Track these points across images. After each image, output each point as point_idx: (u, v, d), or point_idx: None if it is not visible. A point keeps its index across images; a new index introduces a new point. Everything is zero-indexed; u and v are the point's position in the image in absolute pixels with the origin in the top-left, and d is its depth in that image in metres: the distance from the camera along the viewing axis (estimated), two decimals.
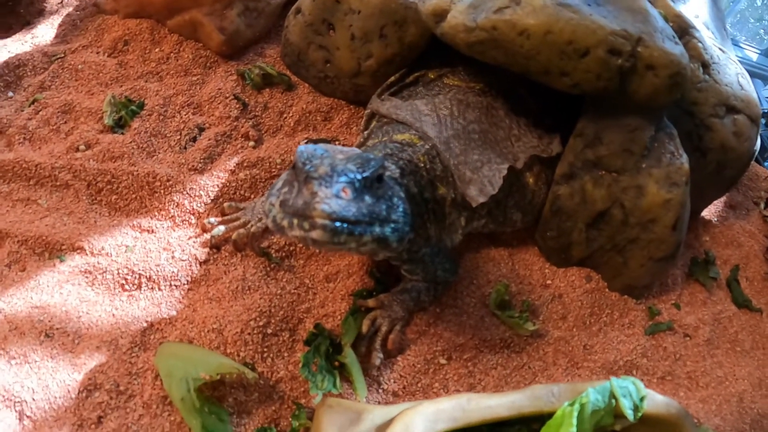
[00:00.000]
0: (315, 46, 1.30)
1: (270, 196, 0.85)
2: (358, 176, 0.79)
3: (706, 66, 1.08)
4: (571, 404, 0.80)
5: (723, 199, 1.45)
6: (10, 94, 1.41)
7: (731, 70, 1.12)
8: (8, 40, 1.51)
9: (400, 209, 0.86)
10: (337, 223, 0.75)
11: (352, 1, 1.23)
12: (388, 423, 0.82)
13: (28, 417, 0.93)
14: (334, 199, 0.76)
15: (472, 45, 1.00)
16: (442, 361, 1.05)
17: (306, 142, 1.30)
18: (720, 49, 1.14)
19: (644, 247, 1.06)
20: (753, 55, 2.25)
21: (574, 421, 0.79)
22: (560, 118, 1.17)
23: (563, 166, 1.09)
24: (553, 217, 1.12)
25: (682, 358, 1.15)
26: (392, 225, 0.83)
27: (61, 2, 1.59)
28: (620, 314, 1.16)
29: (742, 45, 2.24)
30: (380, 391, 1.01)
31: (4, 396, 0.94)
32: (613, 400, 0.82)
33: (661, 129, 1.01)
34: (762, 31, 2.50)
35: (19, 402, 0.94)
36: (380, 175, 0.84)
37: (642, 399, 0.83)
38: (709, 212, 1.42)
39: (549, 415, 0.82)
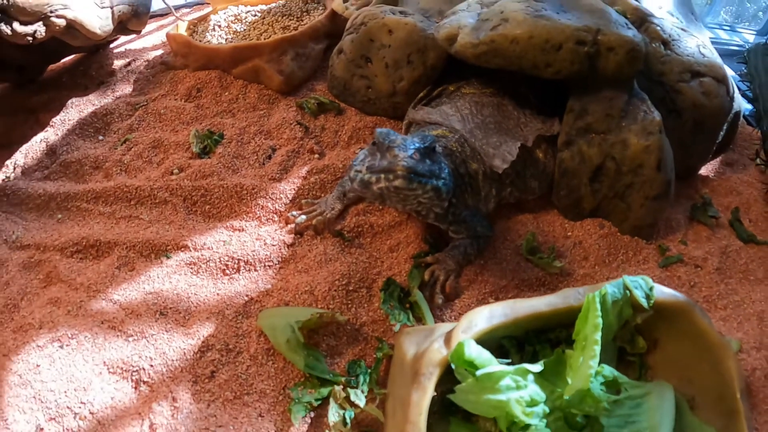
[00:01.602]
0: (357, 77, 1.70)
1: (353, 168, 1.22)
2: (422, 145, 1.18)
3: (666, 43, 1.45)
4: (594, 293, 1.04)
5: (719, 159, 1.73)
6: (101, 137, 1.78)
7: (692, 43, 1.48)
8: (90, 96, 1.89)
9: (446, 171, 1.24)
10: (412, 175, 1.13)
11: (383, 38, 1.64)
12: None
13: (144, 383, 1.14)
14: (409, 159, 1.13)
15: (479, 56, 1.39)
16: (491, 300, 1.33)
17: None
18: (682, 29, 1.50)
19: (639, 189, 1.38)
20: (750, 37, 2.51)
21: (598, 305, 0.98)
22: (556, 106, 1.52)
23: (562, 136, 1.44)
24: (562, 178, 1.46)
25: (696, 285, 1.38)
26: (443, 180, 1.21)
27: (128, 64, 2.00)
28: (634, 253, 1.44)
29: (739, 29, 2.50)
30: (448, 323, 1.28)
31: (122, 368, 1.15)
32: (628, 292, 1.01)
33: (634, 96, 1.37)
34: (761, 13, 2.73)
35: (136, 371, 1.14)
36: (434, 147, 1.22)
37: (651, 289, 1.02)
38: (707, 170, 1.70)
39: (579, 311, 1.04)
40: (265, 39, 1.83)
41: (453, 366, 0.94)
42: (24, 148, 1.83)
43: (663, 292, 1.05)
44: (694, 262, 1.44)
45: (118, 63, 2.08)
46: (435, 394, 1.01)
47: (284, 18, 1.94)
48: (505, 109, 1.52)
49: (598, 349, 0.97)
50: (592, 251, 1.43)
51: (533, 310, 1.05)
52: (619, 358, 1.10)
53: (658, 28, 1.46)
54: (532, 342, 1.11)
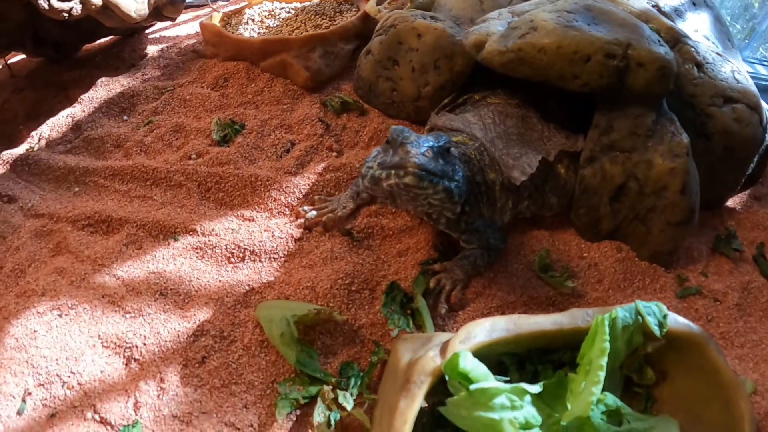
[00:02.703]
0: (383, 79, 1.66)
1: (367, 164, 1.18)
2: (436, 144, 1.13)
3: (699, 66, 1.37)
4: (603, 316, 0.98)
5: (748, 192, 1.64)
6: (125, 117, 1.79)
7: (726, 68, 1.40)
8: (120, 77, 1.91)
9: (460, 174, 1.19)
10: (423, 173, 1.08)
11: (412, 42, 1.59)
12: None
13: (135, 360, 1.13)
14: (421, 156, 1.09)
15: (505, 64, 1.33)
16: (497, 315, 1.27)
17: None
18: (717, 54, 1.42)
19: (661, 213, 1.29)
20: None
21: (607, 329, 0.94)
22: (582, 123, 1.46)
23: (585, 152, 1.37)
24: (582, 196, 1.39)
25: (714, 319, 1.30)
26: (455, 182, 1.15)
27: (161, 50, 2.01)
28: (651, 280, 1.36)
29: None
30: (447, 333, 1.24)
31: (115, 344, 1.15)
32: (640, 318, 0.96)
33: (662, 115, 1.29)
34: None
35: (129, 348, 1.14)
36: (449, 147, 1.17)
37: (665, 317, 0.95)
38: (734, 202, 1.61)
39: (586, 334, 1.00)
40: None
41: (446, 377, 0.88)
42: (51, 121, 1.87)
43: (677, 321, 0.98)
44: (714, 296, 1.36)
45: (151, 48, 2.08)
46: (426, 404, 0.97)
47: (317, 17, 1.92)
48: (529, 121, 1.46)
49: (602, 375, 0.90)
50: (607, 274, 1.36)
51: (537, 328, 0.99)
52: (625, 387, 1.03)
53: (692, 49, 1.39)
54: (533, 361, 1.05)
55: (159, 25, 2.21)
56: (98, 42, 2.16)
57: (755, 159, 1.48)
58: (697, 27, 1.55)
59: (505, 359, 1.03)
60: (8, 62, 2.13)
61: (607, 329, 0.93)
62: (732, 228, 1.50)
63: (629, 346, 0.98)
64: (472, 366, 0.90)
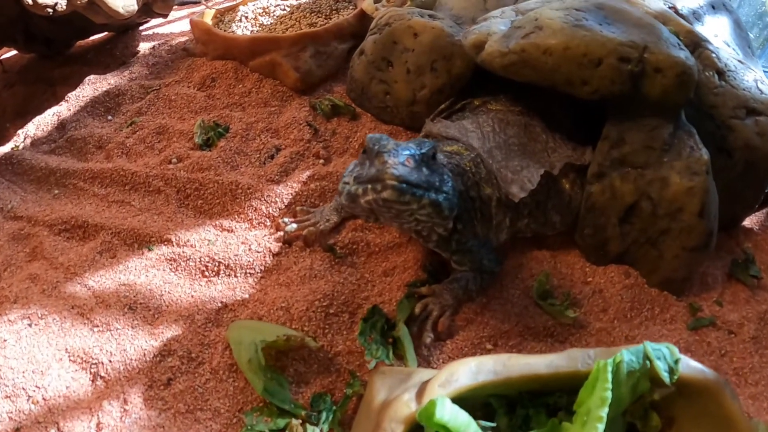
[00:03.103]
0: (376, 81, 1.52)
1: (344, 179, 1.04)
2: (418, 151, 0.98)
3: (721, 73, 1.21)
4: (606, 361, 0.85)
5: (765, 210, 1.48)
6: (110, 117, 1.70)
7: (749, 77, 1.23)
8: (107, 75, 1.82)
9: (450, 184, 1.04)
10: (404, 185, 0.93)
11: (407, 41, 1.45)
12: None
13: (101, 377, 1.06)
14: (400, 166, 0.94)
15: (507, 67, 1.18)
16: (489, 346, 1.13)
17: None
18: (739, 61, 1.25)
19: (676, 237, 1.14)
20: None
21: (609, 377, 0.83)
22: (591, 134, 1.30)
23: (593, 166, 1.21)
24: (588, 214, 1.23)
25: (727, 354, 1.16)
26: (444, 194, 1.00)
27: (153, 47, 1.90)
28: (661, 309, 1.20)
29: None
30: (430, 369, 1.10)
31: (82, 358, 1.08)
32: (648, 363, 0.87)
33: (680, 128, 1.13)
34: None
35: (95, 364, 1.07)
36: (434, 154, 1.02)
37: (677, 362, 0.84)
38: (752, 222, 1.46)
39: (586, 378, 0.88)
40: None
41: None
42: (37, 119, 1.79)
43: (690, 366, 0.84)
44: (728, 327, 1.21)
45: (143, 46, 1.97)
46: None
47: (312, 15, 1.78)
48: (532, 131, 1.30)
49: (601, 428, 0.77)
50: (612, 302, 1.20)
51: (530, 371, 0.86)
52: None
53: (713, 55, 1.22)
54: (525, 404, 0.93)
55: (153, 22, 2.09)
56: (91, 39, 2.06)
57: None
58: (716, 32, 1.38)
59: (493, 401, 0.91)
60: (0, 58, 2.03)
61: (609, 376, 0.80)
62: (750, 251, 1.33)
63: (634, 393, 0.85)
64: (451, 415, 0.78)
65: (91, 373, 1.06)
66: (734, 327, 1.21)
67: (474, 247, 1.16)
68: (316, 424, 0.99)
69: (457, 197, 1.07)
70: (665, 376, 0.83)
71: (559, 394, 0.89)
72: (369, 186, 0.95)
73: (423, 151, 0.99)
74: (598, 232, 1.23)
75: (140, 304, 1.19)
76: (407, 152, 0.96)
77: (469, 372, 0.84)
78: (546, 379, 0.86)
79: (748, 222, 1.45)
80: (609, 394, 0.80)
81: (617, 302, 1.20)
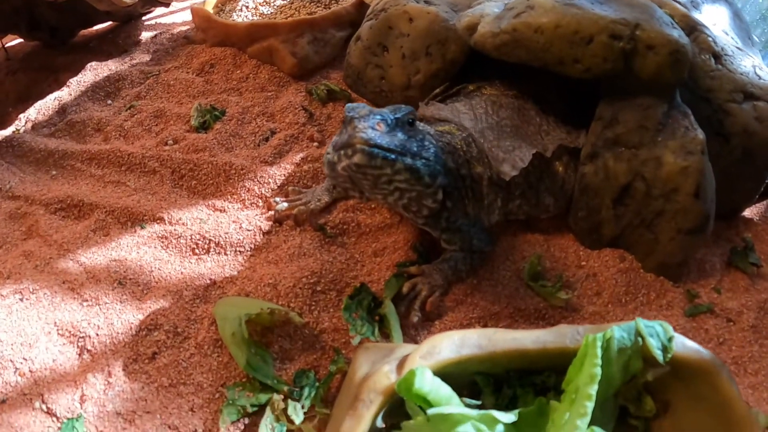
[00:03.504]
0: (372, 66, 1.49)
1: (327, 151, 1.00)
2: (391, 116, 0.96)
3: (717, 57, 1.16)
4: (595, 335, 0.80)
5: (766, 201, 1.42)
6: (109, 101, 1.69)
7: (747, 62, 1.19)
8: (109, 62, 1.82)
9: (431, 150, 1.01)
10: (374, 149, 0.90)
11: (403, 26, 1.41)
12: None
13: (87, 351, 1.04)
14: (369, 130, 0.91)
15: (499, 47, 1.16)
16: (478, 327, 1.09)
17: None
18: (738, 47, 1.21)
19: (671, 218, 1.09)
20: None
21: (599, 352, 0.77)
22: (586, 118, 1.26)
23: (587, 147, 1.17)
24: (582, 196, 1.19)
25: (726, 342, 1.11)
26: (423, 160, 0.97)
27: (155, 36, 1.89)
28: (657, 295, 1.15)
29: None
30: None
31: (70, 332, 1.06)
32: (640, 340, 0.80)
33: (675, 108, 1.09)
34: None
35: (82, 337, 1.06)
36: (412, 120, 0.99)
37: (670, 339, 0.78)
38: (751, 212, 1.41)
39: (575, 355, 0.82)
40: None
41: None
42: (39, 104, 1.78)
43: (685, 345, 0.80)
44: (727, 315, 1.16)
45: (145, 34, 1.96)
46: (384, 426, 0.80)
47: (312, 4, 1.76)
48: (526, 113, 1.26)
49: (590, 406, 0.72)
50: (606, 287, 1.16)
51: (516, 346, 0.81)
52: (620, 419, 0.84)
53: (710, 39, 1.18)
54: (512, 384, 0.88)
55: (157, 12, 2.08)
56: (95, 28, 2.05)
57: None
58: (715, 21, 1.34)
59: (479, 379, 0.87)
60: (5, 46, 2.02)
61: (599, 352, 0.75)
62: (749, 240, 1.28)
63: (626, 373, 0.80)
64: (431, 386, 0.74)
65: (78, 346, 1.05)
66: (733, 315, 1.16)
67: (464, 227, 1.12)
68: (298, 400, 0.96)
69: (442, 166, 1.03)
70: (658, 354, 0.78)
71: (548, 373, 0.85)
72: (342, 152, 0.92)
73: (397, 115, 0.96)
74: (591, 215, 1.18)
75: (130, 279, 1.17)
76: (378, 117, 0.94)
77: (452, 345, 0.80)
78: (533, 355, 0.81)
79: (748, 213, 1.40)
80: (598, 371, 0.75)
81: (611, 286, 1.15)
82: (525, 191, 1.20)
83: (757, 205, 1.41)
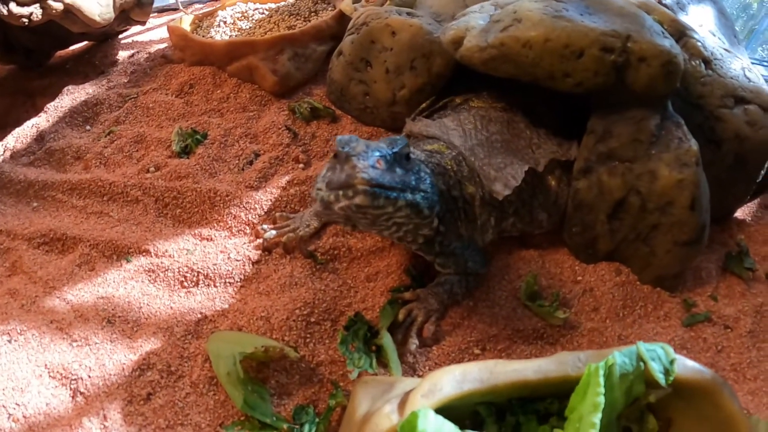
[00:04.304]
0: (355, 82, 1.44)
1: (316, 185, 0.96)
2: (389, 151, 0.91)
3: (707, 62, 1.13)
4: (597, 364, 0.79)
5: (757, 201, 1.40)
6: (88, 127, 1.61)
7: (736, 65, 1.15)
8: (86, 84, 1.74)
9: (428, 181, 0.97)
10: (376, 189, 0.86)
11: (386, 40, 1.37)
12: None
13: (81, 393, 1.00)
14: (371, 169, 0.86)
15: (486, 62, 1.11)
16: (476, 351, 1.06)
17: None
18: (725, 50, 1.18)
19: (667, 231, 1.06)
20: None
21: (602, 381, 0.76)
22: (577, 129, 1.22)
23: (579, 162, 1.13)
24: (576, 212, 1.15)
25: (724, 349, 1.09)
26: (422, 193, 0.93)
27: (132, 55, 1.82)
28: (654, 307, 1.13)
29: None
30: (415, 376, 1.02)
31: (62, 374, 1.02)
32: (642, 364, 0.80)
33: (667, 118, 1.05)
34: None
35: (75, 380, 1.01)
36: (407, 153, 0.94)
37: (672, 362, 0.77)
38: (743, 213, 1.38)
39: (577, 383, 0.81)
40: None
41: None
42: (17, 131, 1.69)
43: (686, 367, 0.78)
44: (724, 322, 1.14)
45: (122, 54, 1.88)
46: None
47: (291, 17, 1.70)
48: (515, 127, 1.22)
49: None
50: (604, 301, 1.13)
51: (518, 378, 0.79)
52: None
53: (699, 44, 1.15)
54: (515, 412, 0.85)
55: (133, 29, 2.01)
56: (71, 49, 1.97)
57: (766, 165, 1.25)
58: (701, 21, 1.31)
59: (481, 409, 0.83)
60: None
61: (602, 381, 0.74)
62: (743, 244, 1.26)
63: (629, 397, 0.78)
64: (435, 427, 0.71)
65: (70, 389, 1.01)
66: (730, 321, 1.14)
67: (458, 250, 1.08)
68: None
69: (437, 195, 0.99)
70: (660, 378, 0.77)
71: (551, 400, 0.82)
72: (341, 192, 0.87)
73: (395, 150, 0.91)
74: (586, 230, 1.15)
75: (119, 317, 1.12)
76: (378, 153, 0.89)
77: (453, 381, 0.78)
78: (535, 384, 0.79)
79: (740, 213, 1.37)
80: (602, 399, 0.73)
81: (609, 301, 1.12)
82: (518, 209, 1.16)
83: (748, 205, 1.38)
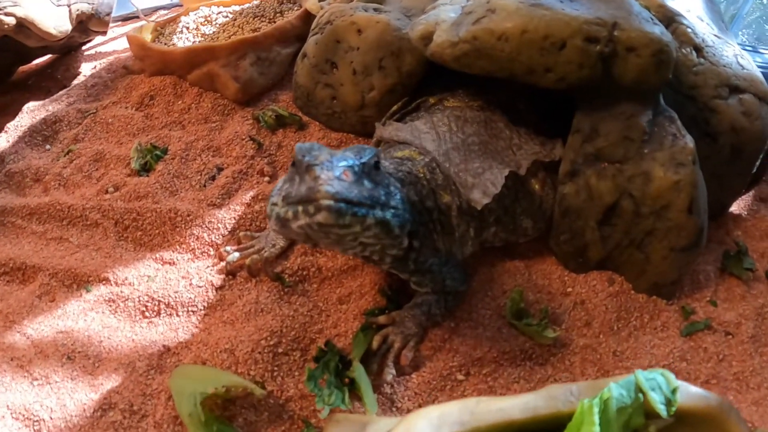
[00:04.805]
0: (321, 85, 1.32)
1: (271, 198, 0.82)
2: (357, 161, 0.78)
3: (699, 49, 1.01)
4: (591, 400, 0.69)
5: (752, 193, 1.29)
6: (48, 147, 1.49)
7: (728, 52, 1.03)
8: (46, 101, 1.62)
9: (398, 197, 0.84)
10: (342, 204, 0.73)
11: (351, 39, 1.25)
12: None
13: None
14: (336, 181, 0.74)
15: (459, 58, 0.98)
16: (460, 377, 0.94)
17: None
18: (716, 36, 1.06)
19: (663, 237, 0.94)
20: None
21: (597, 419, 0.67)
22: (561, 126, 1.10)
23: (565, 164, 1.01)
24: (563, 219, 1.03)
25: (726, 358, 0.99)
26: (392, 210, 0.81)
27: (94, 67, 1.69)
28: (651, 317, 1.01)
29: (762, 50, 2.11)
30: (394, 409, 0.91)
31: (24, 415, 0.93)
32: (641, 395, 0.71)
33: (660, 113, 0.93)
34: None
35: (37, 421, 0.93)
36: (377, 163, 0.82)
37: (674, 391, 0.70)
38: (739, 207, 1.27)
39: (569, 419, 0.72)
40: None
41: None
42: None
43: (690, 394, 0.70)
44: (725, 329, 1.03)
45: (85, 66, 1.75)
46: None
47: (256, 20, 1.57)
48: (494, 127, 1.10)
49: None
50: (597, 314, 1.01)
51: (503, 417, 0.70)
52: None
53: (689, 30, 1.02)
54: None
55: (97, 40, 1.87)
56: (34, 63, 1.84)
57: (761, 156, 1.13)
58: (688, 6, 1.18)
59: None
60: None
61: (596, 419, 0.65)
62: (742, 243, 1.14)
63: (626, 430, 0.69)
64: None
65: (33, 430, 0.92)
66: (731, 327, 1.03)
67: (435, 267, 0.96)
68: None
69: (409, 211, 0.86)
70: (662, 410, 0.68)
71: None
72: (300, 208, 0.74)
73: (363, 160, 0.79)
74: (575, 238, 1.03)
75: (79, 352, 1.02)
76: (344, 163, 0.76)
77: (429, 426, 0.69)
78: (522, 423, 0.70)
79: (735, 207, 1.26)
80: None
81: (602, 313, 1.01)
82: (500, 216, 1.04)
83: (743, 198, 1.27)
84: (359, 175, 0.78)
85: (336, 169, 0.75)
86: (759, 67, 1.12)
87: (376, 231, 0.79)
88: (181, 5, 1.89)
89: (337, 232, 0.78)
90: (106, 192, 1.29)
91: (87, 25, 1.62)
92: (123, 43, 1.84)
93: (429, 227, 0.98)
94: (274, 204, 0.80)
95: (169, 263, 1.15)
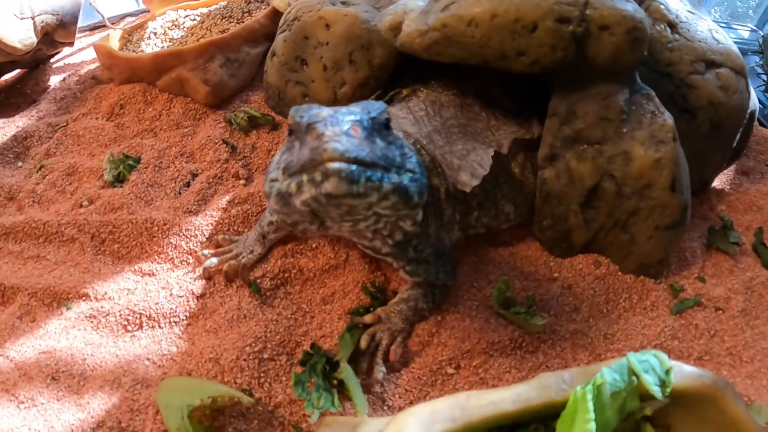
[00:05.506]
0: (292, 83, 1.27)
1: (269, 175, 0.71)
2: (366, 116, 0.66)
3: (673, 26, 0.98)
4: (584, 387, 0.66)
5: (733, 167, 1.27)
6: (20, 164, 1.43)
7: (703, 27, 1.00)
8: (16, 117, 1.56)
9: (414, 159, 0.73)
10: (353, 167, 0.60)
11: (320, 34, 1.20)
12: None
13: None
14: (344, 137, 0.61)
15: (429, 47, 0.94)
16: (450, 370, 0.92)
17: None
18: (690, 11, 1.03)
19: (647, 216, 0.92)
20: (746, 33, 2.07)
21: (591, 406, 0.64)
22: (539, 113, 1.07)
23: (544, 148, 0.98)
24: (545, 204, 1.00)
25: (717, 333, 0.97)
26: (410, 174, 0.69)
27: (63, 79, 1.63)
28: (640, 297, 0.99)
29: (735, 26, 2.11)
30: (385, 408, 0.88)
31: None
32: (635, 378, 0.67)
33: (637, 91, 0.91)
34: (752, 11, 2.36)
35: None
36: (387, 119, 0.70)
37: (668, 372, 0.66)
38: (721, 181, 1.25)
39: (563, 408, 0.69)
40: None
41: None
42: None
43: (685, 374, 0.68)
44: (715, 304, 1.01)
45: (54, 79, 1.68)
46: None
47: (224, 21, 1.52)
48: (470, 110, 1.06)
49: None
50: (585, 298, 0.99)
51: (494, 411, 0.68)
52: None
53: (662, 6, 0.99)
54: None
55: (66, 51, 1.81)
56: (3, 79, 1.77)
57: (740, 130, 1.11)
58: None
59: None
60: None
61: (590, 406, 0.63)
62: (727, 218, 1.12)
63: (622, 414, 0.67)
64: None
65: None
66: (721, 302, 1.01)
67: (431, 257, 0.91)
68: None
69: (426, 176, 0.74)
70: (656, 392, 0.66)
71: (535, 426, 0.70)
72: (304, 177, 0.62)
73: (373, 115, 0.66)
74: (558, 222, 1.00)
75: (63, 372, 0.98)
76: (351, 117, 0.64)
77: (420, 425, 0.66)
78: (515, 415, 0.67)
79: (717, 182, 1.24)
80: (592, 426, 0.62)
81: (590, 297, 0.98)
82: (482, 201, 1.00)
83: (725, 172, 1.25)
84: (369, 131, 0.65)
85: (343, 123, 0.62)
86: (734, 43, 1.11)
87: (394, 200, 0.67)
88: (149, 11, 1.83)
89: (350, 203, 0.66)
90: (81, 206, 1.24)
91: (53, 36, 1.56)
92: (92, 53, 1.78)
93: (424, 212, 0.91)
94: (274, 180, 0.68)
95: (149, 274, 1.10)
